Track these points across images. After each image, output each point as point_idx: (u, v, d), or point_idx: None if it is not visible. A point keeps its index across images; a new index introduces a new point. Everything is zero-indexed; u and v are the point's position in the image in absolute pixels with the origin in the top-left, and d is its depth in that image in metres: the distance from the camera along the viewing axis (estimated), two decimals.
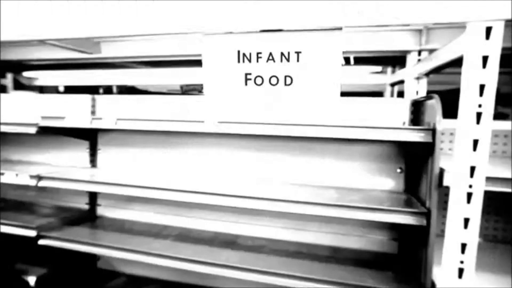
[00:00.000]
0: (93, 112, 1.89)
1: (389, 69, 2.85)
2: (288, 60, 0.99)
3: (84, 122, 1.86)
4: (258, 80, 0.99)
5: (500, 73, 1.05)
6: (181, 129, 1.69)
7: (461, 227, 1.13)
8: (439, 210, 1.71)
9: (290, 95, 0.96)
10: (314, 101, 0.94)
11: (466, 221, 1.13)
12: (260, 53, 1.00)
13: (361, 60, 2.83)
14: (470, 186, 1.11)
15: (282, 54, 1.01)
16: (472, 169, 1.11)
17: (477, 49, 1.03)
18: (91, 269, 2.32)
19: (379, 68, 2.90)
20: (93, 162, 2.36)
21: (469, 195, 1.12)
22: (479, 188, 1.10)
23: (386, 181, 1.86)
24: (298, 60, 0.99)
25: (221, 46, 1.04)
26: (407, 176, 1.83)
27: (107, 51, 2.31)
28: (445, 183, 1.30)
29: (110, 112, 1.85)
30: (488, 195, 1.58)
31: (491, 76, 1.04)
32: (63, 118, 1.90)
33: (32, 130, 1.95)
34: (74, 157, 2.39)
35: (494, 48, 1.02)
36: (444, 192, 1.68)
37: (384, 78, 2.97)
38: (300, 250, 1.87)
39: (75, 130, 2.14)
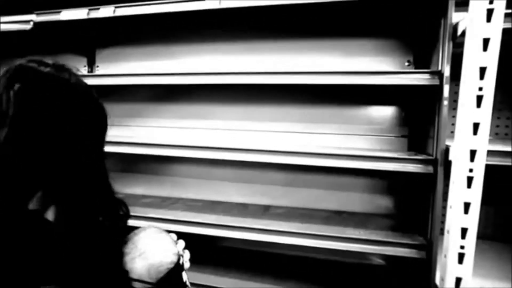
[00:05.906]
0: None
1: None
2: None
3: (81, 13, 1.79)
4: None
5: None
6: (182, 8, 1.62)
7: (480, 49, 1.07)
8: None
9: None
10: None
11: (486, 41, 1.06)
12: None
13: None
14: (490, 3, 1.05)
15: None
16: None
17: None
18: None
19: None
20: None
21: (490, 12, 1.06)
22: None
23: None
24: None
25: None
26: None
27: None
28: (460, 29, 1.25)
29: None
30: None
31: None
32: (59, 12, 1.83)
33: (28, 26, 1.88)
34: None
35: None
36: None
37: None
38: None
39: (72, 30, 2.07)
